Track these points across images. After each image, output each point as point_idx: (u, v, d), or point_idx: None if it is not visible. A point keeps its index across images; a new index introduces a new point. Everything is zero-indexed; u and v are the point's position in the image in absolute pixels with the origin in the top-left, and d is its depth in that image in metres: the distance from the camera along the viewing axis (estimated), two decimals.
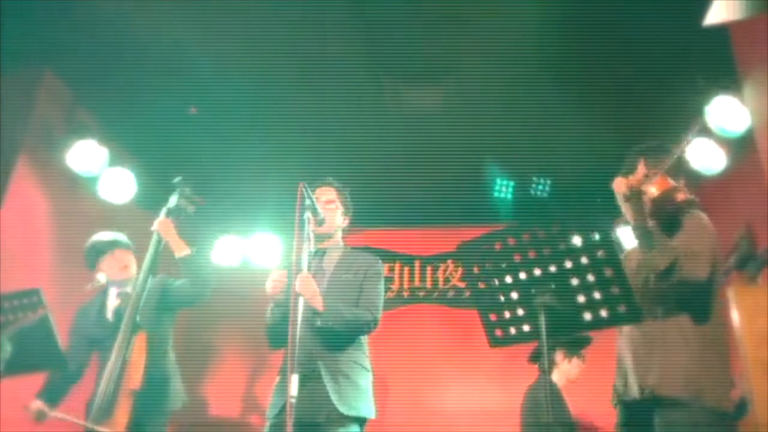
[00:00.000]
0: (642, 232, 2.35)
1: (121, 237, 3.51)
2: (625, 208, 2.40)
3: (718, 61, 3.75)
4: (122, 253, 3.44)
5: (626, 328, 2.51)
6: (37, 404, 3.14)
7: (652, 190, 2.40)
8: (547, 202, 5.24)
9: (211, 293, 3.31)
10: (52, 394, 3.24)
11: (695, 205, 2.48)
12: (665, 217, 2.45)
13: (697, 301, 2.35)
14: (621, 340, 2.54)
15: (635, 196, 2.35)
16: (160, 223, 3.33)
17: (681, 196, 2.44)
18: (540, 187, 5.24)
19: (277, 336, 2.82)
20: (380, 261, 3.11)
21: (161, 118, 4.52)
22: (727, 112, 3.96)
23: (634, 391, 2.38)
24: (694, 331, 2.33)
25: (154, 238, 3.32)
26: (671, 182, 2.43)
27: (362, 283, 2.98)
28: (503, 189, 5.34)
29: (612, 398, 2.56)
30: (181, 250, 3.28)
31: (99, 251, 3.42)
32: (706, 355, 2.31)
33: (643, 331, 2.41)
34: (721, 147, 4.22)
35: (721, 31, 3.57)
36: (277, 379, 2.93)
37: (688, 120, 4.11)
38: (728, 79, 3.86)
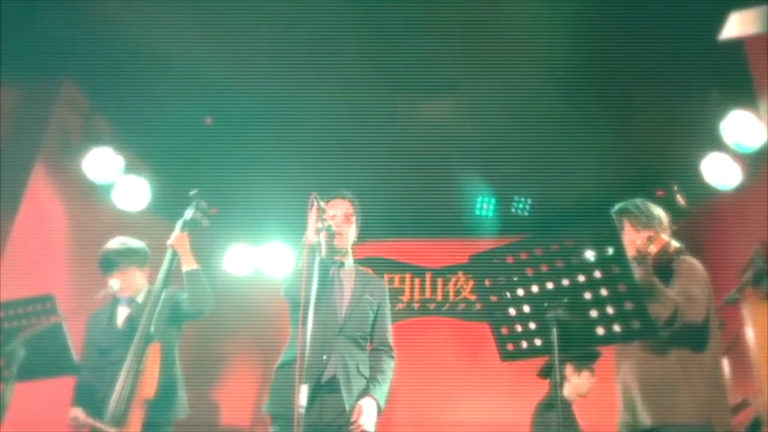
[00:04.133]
0: (649, 290, 2.49)
1: (132, 249, 3.51)
2: (634, 268, 2.50)
3: (734, 76, 3.73)
4: (129, 270, 3.45)
5: (626, 364, 2.66)
6: (76, 412, 3.15)
7: (653, 248, 2.58)
8: (527, 219, 5.27)
9: (210, 309, 3.35)
10: (86, 403, 3.24)
11: (684, 251, 2.68)
12: (662, 268, 2.64)
13: (696, 337, 2.54)
14: (624, 374, 2.66)
15: (644, 258, 2.52)
16: (177, 238, 3.35)
17: (672, 247, 2.63)
18: (521, 206, 5.30)
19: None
20: (386, 285, 3.20)
21: (176, 127, 4.56)
22: (742, 128, 3.93)
23: (646, 421, 2.48)
24: (694, 362, 2.50)
25: (170, 252, 3.34)
26: (665, 238, 2.64)
27: (378, 313, 3.02)
28: (485, 206, 5.36)
29: (618, 429, 2.62)
30: (190, 265, 3.32)
31: (110, 264, 3.44)
32: (707, 383, 2.48)
33: (648, 365, 2.56)
34: (736, 162, 4.18)
35: (737, 46, 3.56)
36: (276, 374, 2.91)
37: (704, 135, 4.12)
38: (744, 95, 3.84)
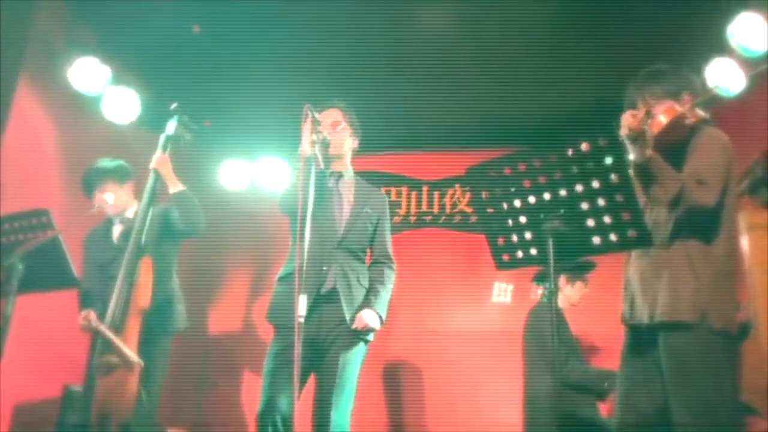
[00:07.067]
0: (641, 171, 2.26)
1: (108, 167, 3.49)
2: (629, 146, 2.28)
3: None
4: (109, 186, 3.43)
5: (635, 255, 2.47)
6: (86, 312, 3.18)
7: (661, 119, 2.32)
8: None
9: (203, 228, 3.35)
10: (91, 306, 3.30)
11: (708, 122, 2.40)
12: (675, 145, 2.36)
13: (705, 225, 2.29)
14: (629, 266, 2.51)
15: (637, 137, 2.24)
16: (158, 160, 3.32)
17: (691, 119, 2.36)
18: None
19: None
20: (387, 197, 3.19)
21: (164, 36, 4.38)
22: (750, 30, 3.79)
23: (643, 316, 2.35)
24: (701, 255, 2.27)
25: (153, 173, 3.32)
26: (678, 108, 2.35)
27: (378, 225, 3.03)
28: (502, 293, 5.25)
29: (621, 320, 2.55)
30: (175, 186, 3.29)
31: (91, 184, 3.43)
32: (713, 278, 2.26)
33: (651, 257, 2.37)
34: (741, 67, 4.06)
35: None
36: (277, 286, 2.96)
37: (709, 39, 3.98)
38: None
